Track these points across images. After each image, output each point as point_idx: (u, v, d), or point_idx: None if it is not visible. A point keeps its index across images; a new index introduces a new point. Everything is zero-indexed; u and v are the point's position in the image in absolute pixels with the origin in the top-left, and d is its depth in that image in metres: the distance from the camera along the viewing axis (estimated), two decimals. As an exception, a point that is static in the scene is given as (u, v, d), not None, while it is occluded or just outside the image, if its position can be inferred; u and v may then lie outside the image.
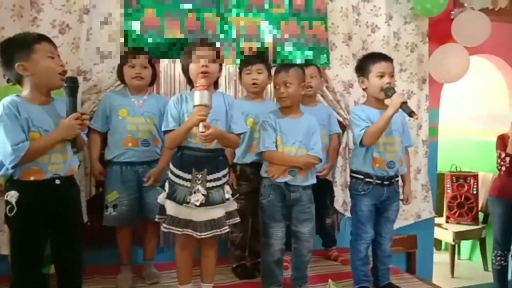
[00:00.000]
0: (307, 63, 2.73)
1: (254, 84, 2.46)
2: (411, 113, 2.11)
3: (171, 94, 2.68)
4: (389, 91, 2.17)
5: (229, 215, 2.06)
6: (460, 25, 3.07)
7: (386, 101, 2.20)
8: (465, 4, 3.18)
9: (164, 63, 2.68)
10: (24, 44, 1.72)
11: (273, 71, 2.36)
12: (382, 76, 2.21)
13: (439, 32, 3.17)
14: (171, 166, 2.04)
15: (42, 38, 1.77)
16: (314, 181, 2.25)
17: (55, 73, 1.75)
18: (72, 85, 1.77)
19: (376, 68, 2.22)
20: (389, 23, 3.07)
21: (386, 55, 2.32)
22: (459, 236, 3.95)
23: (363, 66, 2.30)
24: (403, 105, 2.12)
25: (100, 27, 2.50)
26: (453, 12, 3.13)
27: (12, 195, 1.69)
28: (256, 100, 2.51)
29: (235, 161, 2.47)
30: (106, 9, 2.51)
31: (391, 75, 2.23)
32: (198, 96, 1.89)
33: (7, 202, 1.70)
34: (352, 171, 2.34)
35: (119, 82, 2.46)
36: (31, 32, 1.89)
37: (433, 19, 3.15)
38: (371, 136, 2.16)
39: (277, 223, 2.18)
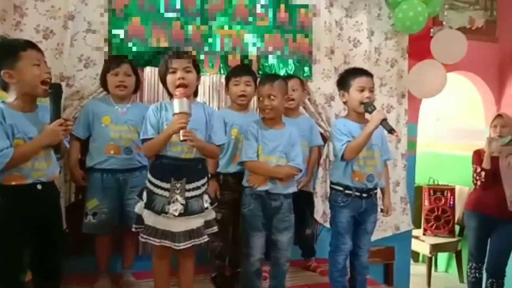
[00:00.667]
0: (290, 75, 2.77)
1: (242, 96, 2.47)
2: (391, 130, 2.18)
3: (155, 102, 2.67)
4: (369, 107, 2.23)
5: (207, 224, 2.06)
6: (439, 43, 3.16)
7: (367, 116, 2.26)
8: (444, 23, 3.29)
9: (147, 71, 2.69)
10: (10, 52, 1.72)
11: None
12: (362, 90, 2.26)
13: (419, 49, 3.25)
14: (149, 175, 2.03)
15: (28, 45, 1.77)
16: (294, 189, 2.28)
17: (38, 81, 1.74)
18: (55, 92, 1.78)
19: (357, 82, 2.27)
20: (370, 39, 3.15)
21: (366, 71, 2.38)
22: (436, 249, 4.02)
23: (344, 80, 2.35)
24: (383, 122, 2.18)
25: (84, 34, 2.50)
26: (432, 30, 3.22)
27: None
28: (241, 111, 2.53)
29: (218, 170, 2.48)
30: (91, 16, 2.51)
31: (371, 90, 2.29)
32: (178, 104, 1.90)
33: None
34: (332, 183, 2.38)
35: (102, 89, 2.45)
36: (18, 39, 1.89)
37: (413, 36, 3.24)
38: (352, 151, 2.21)
39: (257, 233, 2.20)
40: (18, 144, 1.70)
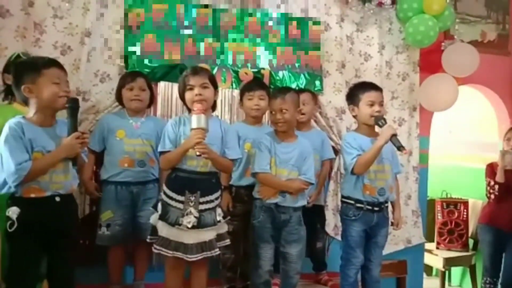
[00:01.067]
0: (301, 89, 2.80)
1: (256, 109, 2.51)
2: (400, 147, 2.19)
3: (168, 116, 2.74)
4: (379, 121, 2.24)
5: (220, 237, 2.09)
6: (450, 56, 3.17)
7: (377, 129, 2.27)
8: (455, 37, 3.29)
9: (161, 85, 2.74)
10: (32, 68, 1.79)
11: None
12: (372, 105, 2.29)
13: (430, 63, 3.26)
14: (164, 187, 2.08)
15: (52, 63, 1.83)
16: (304, 202, 2.29)
17: (56, 98, 1.80)
18: (73, 106, 1.83)
19: (366, 96, 2.29)
20: (381, 53, 3.17)
21: (375, 85, 2.40)
22: (449, 262, 3.96)
23: (353, 94, 2.38)
24: (393, 138, 2.19)
25: (100, 50, 2.57)
26: (443, 44, 3.23)
27: (14, 211, 1.74)
28: (254, 125, 2.57)
29: (231, 183, 2.51)
30: (107, 33, 2.59)
31: (381, 104, 2.30)
32: (196, 120, 1.95)
33: (8, 218, 1.74)
34: (343, 197, 2.39)
35: (117, 103, 2.51)
36: (43, 57, 1.94)
37: (424, 50, 3.25)
38: (362, 166, 2.22)
39: (266, 244, 2.21)
40: (37, 157, 1.76)
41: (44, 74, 1.78)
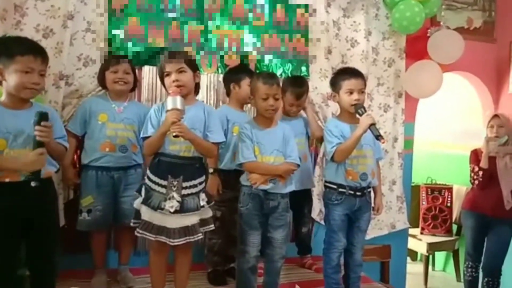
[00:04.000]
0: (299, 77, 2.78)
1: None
2: (378, 137, 2.20)
3: (153, 101, 2.73)
4: (359, 109, 2.26)
5: (203, 222, 2.09)
6: (436, 43, 3.17)
7: (359, 116, 2.28)
8: (441, 23, 3.29)
9: (145, 70, 2.72)
10: (7, 52, 1.74)
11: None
12: (351, 93, 2.29)
13: (416, 49, 3.26)
14: (148, 171, 2.07)
15: (29, 51, 1.76)
16: (293, 188, 2.29)
17: (22, 89, 1.76)
18: (41, 120, 1.74)
19: (346, 85, 2.30)
20: (368, 39, 3.16)
21: (356, 72, 2.38)
22: (433, 247, 4.04)
23: (335, 82, 2.39)
24: (372, 127, 2.20)
25: (83, 33, 2.54)
26: (429, 30, 3.23)
27: None
28: (241, 110, 2.58)
29: (221, 167, 2.50)
30: (90, 16, 2.54)
31: (361, 91, 2.31)
32: (170, 101, 1.94)
33: None
34: (325, 181, 2.41)
35: (100, 88, 2.48)
36: (24, 41, 1.86)
37: (410, 36, 3.25)
38: (341, 154, 2.25)
39: (254, 231, 2.21)
40: (1, 144, 1.73)
41: (17, 61, 1.73)
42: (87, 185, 2.32)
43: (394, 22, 3.08)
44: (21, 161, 1.75)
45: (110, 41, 2.56)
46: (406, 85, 3.25)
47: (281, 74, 2.87)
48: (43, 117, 1.74)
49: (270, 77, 2.22)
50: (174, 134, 1.92)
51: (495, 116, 3.20)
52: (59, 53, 2.47)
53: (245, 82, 2.51)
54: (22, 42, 1.84)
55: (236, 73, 2.59)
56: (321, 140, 2.68)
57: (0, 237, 1.74)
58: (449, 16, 3.40)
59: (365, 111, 2.26)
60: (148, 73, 2.74)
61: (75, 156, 2.46)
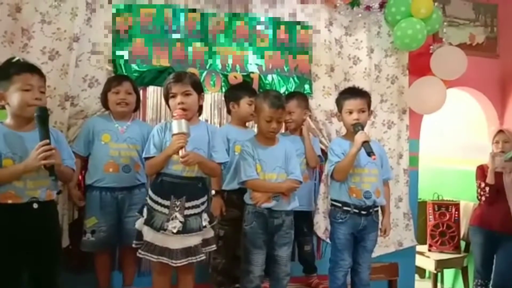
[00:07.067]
0: (290, 93, 2.80)
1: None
2: (369, 153, 2.21)
3: (158, 120, 2.74)
4: (356, 127, 2.28)
5: (206, 242, 2.09)
6: (439, 59, 3.18)
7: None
8: (444, 40, 3.31)
9: (150, 90, 2.74)
10: (4, 74, 1.77)
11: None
12: (351, 113, 2.33)
13: (419, 66, 3.27)
14: (150, 192, 2.07)
15: (24, 69, 1.79)
16: (296, 204, 2.29)
17: (25, 107, 1.78)
18: (40, 115, 1.77)
19: (346, 104, 2.35)
20: (370, 56, 3.18)
21: (357, 91, 2.41)
22: (441, 265, 3.97)
23: (338, 101, 2.44)
24: (364, 144, 2.22)
25: (88, 54, 2.57)
26: (431, 47, 3.24)
27: None
28: (243, 128, 2.59)
29: (223, 187, 2.50)
30: (95, 38, 2.58)
31: (361, 111, 2.33)
32: (176, 125, 1.95)
33: None
34: (331, 199, 2.41)
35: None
36: (17, 61, 1.89)
37: (413, 53, 3.26)
38: (338, 173, 2.29)
39: (258, 250, 2.21)
40: (7, 164, 1.74)
41: (15, 80, 1.76)
42: (91, 206, 2.32)
43: (396, 40, 3.10)
44: (24, 161, 1.74)
45: (114, 62, 2.60)
46: (410, 101, 3.25)
47: (284, 92, 2.89)
48: (43, 112, 1.76)
49: (277, 99, 2.21)
50: (181, 160, 1.93)
51: (500, 131, 3.18)
52: (64, 74, 2.50)
53: (245, 101, 2.53)
54: (15, 63, 1.87)
55: (236, 91, 2.61)
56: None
57: (3, 258, 1.74)
58: (451, 33, 3.42)
59: (362, 129, 2.27)
60: (153, 93, 2.75)
61: (79, 177, 2.47)
